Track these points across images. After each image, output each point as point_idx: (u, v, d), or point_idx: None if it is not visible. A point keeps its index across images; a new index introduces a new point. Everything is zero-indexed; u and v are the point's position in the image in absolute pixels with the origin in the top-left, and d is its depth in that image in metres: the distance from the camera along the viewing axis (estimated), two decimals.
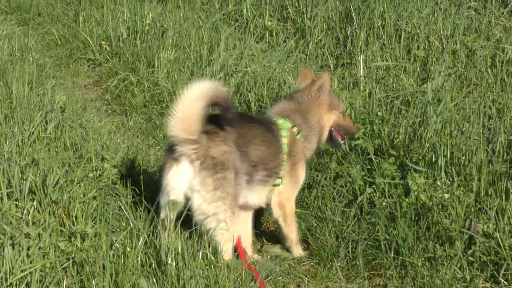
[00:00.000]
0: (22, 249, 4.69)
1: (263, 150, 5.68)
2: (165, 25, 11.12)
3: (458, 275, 5.30)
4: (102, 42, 11.39)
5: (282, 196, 5.85)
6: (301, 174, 5.96)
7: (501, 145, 6.25)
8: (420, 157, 6.45)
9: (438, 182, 6.10)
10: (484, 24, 9.43)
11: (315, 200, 6.42)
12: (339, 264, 5.73)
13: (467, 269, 5.32)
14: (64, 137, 7.06)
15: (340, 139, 6.26)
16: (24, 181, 5.63)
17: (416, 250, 5.57)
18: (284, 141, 5.80)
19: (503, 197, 5.70)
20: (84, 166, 6.31)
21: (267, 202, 5.91)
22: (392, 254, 5.66)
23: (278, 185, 5.81)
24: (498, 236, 5.35)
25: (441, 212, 5.79)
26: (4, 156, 6.14)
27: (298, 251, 5.99)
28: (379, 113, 7.24)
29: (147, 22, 11.30)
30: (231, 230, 5.34)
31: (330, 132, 6.19)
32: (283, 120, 5.92)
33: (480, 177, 5.98)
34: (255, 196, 5.77)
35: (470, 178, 6.05)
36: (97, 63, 11.12)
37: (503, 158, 6.13)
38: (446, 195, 5.90)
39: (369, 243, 5.86)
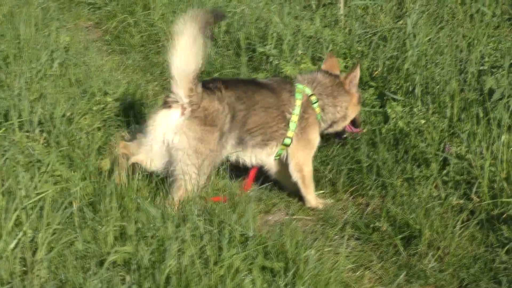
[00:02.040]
0: (35, 175, 4.63)
1: (262, 118, 5.35)
2: None
3: (434, 194, 5.30)
4: None
5: (299, 159, 5.50)
6: (313, 137, 5.57)
7: (471, 75, 6.22)
8: (398, 87, 6.41)
9: (415, 110, 6.06)
10: None
11: None
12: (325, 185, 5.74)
13: (442, 188, 5.32)
14: (69, 74, 6.99)
15: (346, 134, 5.95)
16: (34, 114, 5.57)
17: (395, 172, 5.56)
18: (298, 103, 5.47)
19: (474, 122, 5.67)
20: (88, 100, 6.23)
21: (284, 163, 5.58)
22: (373, 176, 5.64)
23: (288, 144, 5.48)
24: (470, 157, 5.35)
25: (417, 137, 5.78)
26: (15, 92, 6.06)
27: (316, 204, 5.59)
28: (358, 48, 7.19)
29: None
30: (191, 186, 4.93)
31: None
32: (304, 86, 5.56)
33: (453, 104, 5.95)
34: (252, 158, 5.46)
35: (444, 105, 6.02)
36: (97, 6, 10.93)
37: (474, 87, 6.09)
38: (422, 121, 5.87)
39: (352, 166, 5.84)
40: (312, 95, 5.56)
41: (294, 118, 5.46)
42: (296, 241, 4.39)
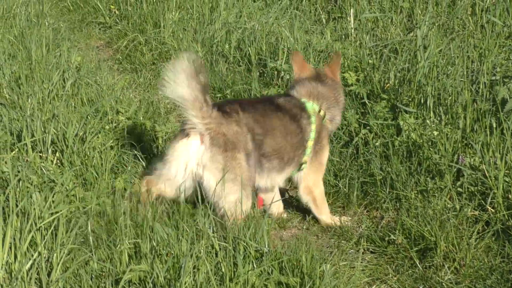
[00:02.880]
0: (48, 196, 4.65)
1: (280, 143, 5.19)
2: None
3: (449, 205, 5.29)
4: (111, 7, 11.25)
5: (309, 182, 5.44)
6: (325, 159, 5.51)
7: (483, 85, 6.19)
8: (410, 99, 6.40)
9: (427, 121, 6.05)
10: None
11: None
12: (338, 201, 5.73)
13: (457, 200, 5.31)
14: (81, 94, 7.02)
15: None
16: (47, 134, 5.60)
17: (409, 184, 5.56)
18: (313, 127, 5.36)
19: (488, 133, 5.65)
20: (101, 119, 6.25)
21: (296, 185, 5.55)
22: (387, 189, 5.64)
23: (302, 169, 5.42)
24: (484, 168, 5.33)
25: (431, 149, 5.76)
26: (27, 113, 6.09)
27: (331, 221, 5.51)
28: (370, 61, 7.19)
29: None
30: (240, 210, 4.83)
31: None
32: (311, 104, 5.43)
33: (466, 115, 5.93)
34: (267, 181, 5.27)
35: (457, 116, 6.01)
36: (108, 26, 11.01)
37: (486, 97, 6.07)
38: (435, 133, 5.86)
39: (365, 179, 5.84)
40: (320, 110, 5.48)
41: (310, 144, 5.36)
42: (311, 255, 4.38)
